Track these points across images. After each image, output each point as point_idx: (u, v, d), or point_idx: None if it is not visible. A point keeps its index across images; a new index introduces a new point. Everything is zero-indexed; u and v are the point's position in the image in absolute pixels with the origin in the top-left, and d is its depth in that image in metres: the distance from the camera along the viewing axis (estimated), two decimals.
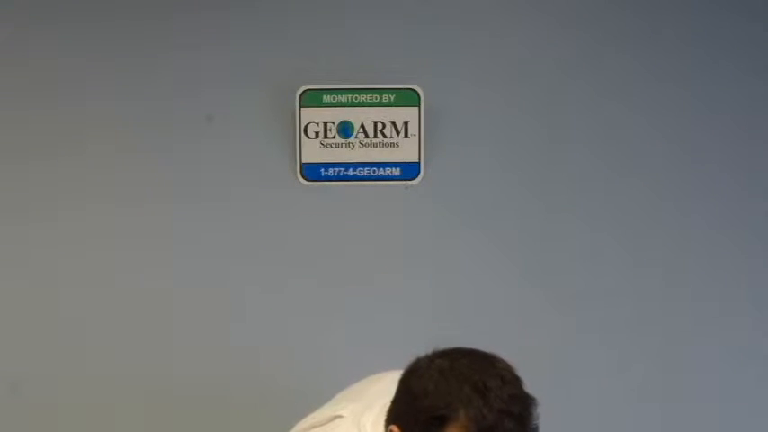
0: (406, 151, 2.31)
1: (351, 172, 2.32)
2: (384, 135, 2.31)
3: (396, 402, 1.28)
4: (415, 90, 2.29)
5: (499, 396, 1.19)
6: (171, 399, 2.28)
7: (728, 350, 2.37)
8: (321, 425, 1.42)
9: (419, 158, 2.31)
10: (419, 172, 2.31)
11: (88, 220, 2.32)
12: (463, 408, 1.17)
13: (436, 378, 1.22)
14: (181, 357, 2.30)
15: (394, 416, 1.27)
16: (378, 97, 2.30)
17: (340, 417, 1.40)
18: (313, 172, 2.32)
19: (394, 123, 2.30)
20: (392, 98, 2.30)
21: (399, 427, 1.25)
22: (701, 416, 2.36)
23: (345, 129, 2.31)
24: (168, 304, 2.31)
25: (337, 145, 2.31)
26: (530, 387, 2.35)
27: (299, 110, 2.29)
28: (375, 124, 2.30)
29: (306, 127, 2.30)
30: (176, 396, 2.29)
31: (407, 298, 2.33)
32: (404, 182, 2.33)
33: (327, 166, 2.31)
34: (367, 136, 2.31)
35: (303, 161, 2.31)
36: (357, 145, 2.31)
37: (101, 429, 2.31)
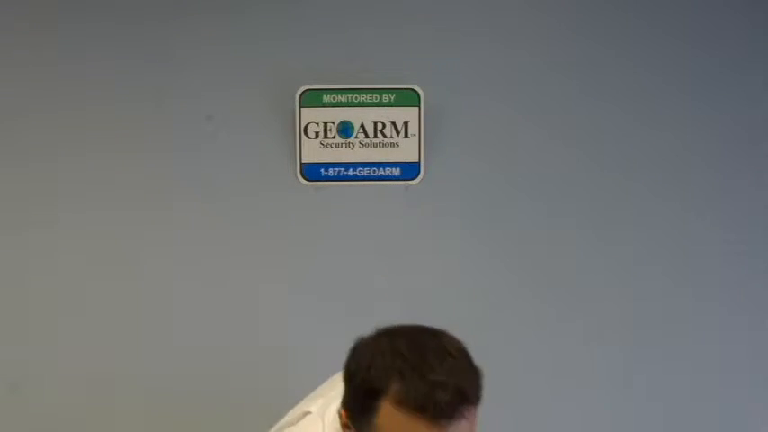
0: (406, 151, 2.31)
1: (351, 172, 2.32)
2: (384, 135, 2.31)
3: (344, 386, 1.28)
4: (415, 90, 2.29)
5: (435, 368, 1.17)
6: (170, 398, 2.28)
7: (731, 349, 2.37)
8: (293, 423, 1.42)
9: (419, 158, 2.31)
10: (419, 172, 2.31)
11: (88, 220, 2.32)
12: (396, 380, 1.16)
13: (373, 354, 1.22)
14: (180, 357, 2.30)
15: (343, 400, 1.27)
16: (378, 97, 2.30)
17: (308, 413, 1.40)
18: (313, 172, 2.32)
19: (394, 123, 2.30)
20: (392, 98, 2.30)
21: (346, 409, 1.25)
22: (702, 415, 2.36)
23: (345, 129, 2.31)
24: (168, 304, 2.31)
25: (337, 145, 2.31)
26: (531, 385, 2.35)
27: (299, 110, 2.29)
28: (375, 124, 2.30)
29: (306, 127, 2.30)
30: (176, 396, 2.29)
31: (407, 298, 2.33)
32: (404, 182, 2.33)
33: (327, 166, 2.32)
34: (367, 136, 2.31)
35: (303, 161, 2.31)
36: (357, 145, 2.31)
37: (101, 429, 2.32)
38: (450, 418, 1.15)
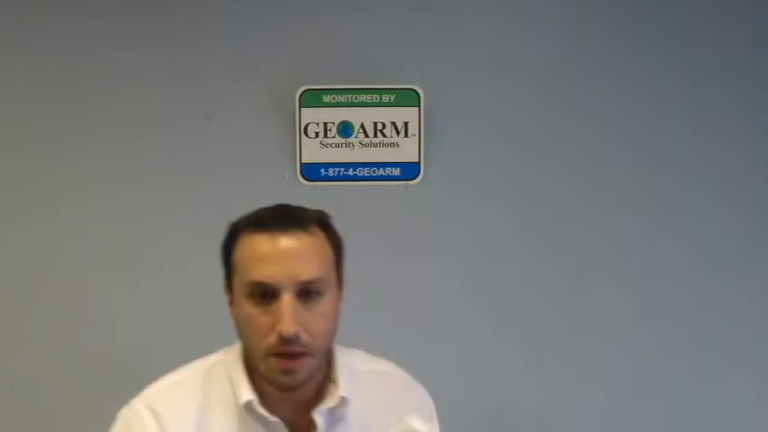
0: (406, 151, 2.31)
1: (351, 172, 2.32)
2: (384, 135, 2.31)
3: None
4: (415, 90, 2.29)
5: (288, 208, 1.39)
6: None
7: (734, 341, 2.37)
8: None
9: (419, 158, 2.31)
10: (419, 172, 2.32)
11: (87, 220, 2.32)
12: (252, 220, 1.36)
13: (239, 219, 1.39)
14: (181, 356, 2.29)
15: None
16: (378, 97, 2.30)
17: None
18: (313, 172, 2.32)
19: (394, 123, 2.30)
20: (392, 98, 2.30)
21: (226, 283, 1.42)
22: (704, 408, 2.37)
23: (345, 129, 2.31)
24: (168, 305, 2.31)
25: (337, 145, 2.31)
26: (534, 385, 2.32)
27: (299, 110, 2.29)
28: (375, 124, 2.30)
29: (306, 127, 2.30)
30: None
31: (407, 298, 2.33)
32: (404, 182, 2.33)
33: (327, 166, 2.32)
34: (367, 136, 2.31)
35: (303, 161, 2.31)
36: (357, 145, 2.31)
37: (100, 429, 2.31)
38: (284, 231, 1.31)
